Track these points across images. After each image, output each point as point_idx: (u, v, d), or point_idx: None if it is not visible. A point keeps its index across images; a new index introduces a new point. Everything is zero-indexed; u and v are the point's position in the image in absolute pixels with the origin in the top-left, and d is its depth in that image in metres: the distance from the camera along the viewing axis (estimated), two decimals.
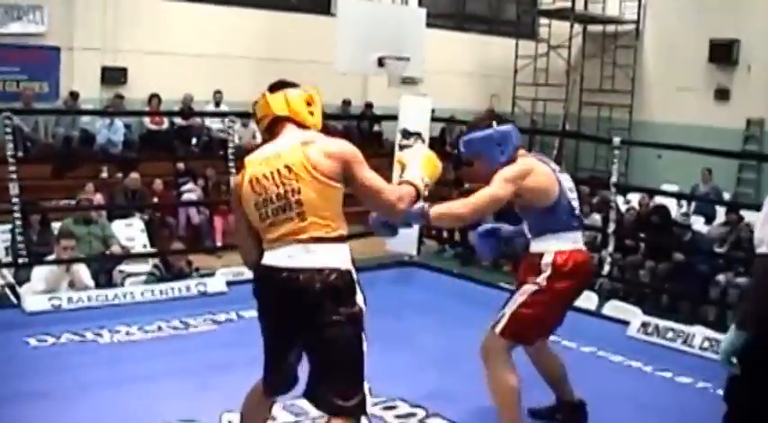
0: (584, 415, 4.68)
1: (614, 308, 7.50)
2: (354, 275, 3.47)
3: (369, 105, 16.92)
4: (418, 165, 3.70)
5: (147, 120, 14.69)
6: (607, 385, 5.37)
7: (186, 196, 13.02)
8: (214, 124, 14.90)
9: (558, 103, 19.11)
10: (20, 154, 9.68)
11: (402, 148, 8.39)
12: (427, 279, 8.39)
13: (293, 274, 3.38)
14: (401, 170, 3.77)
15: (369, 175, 3.51)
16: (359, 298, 3.49)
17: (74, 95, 13.65)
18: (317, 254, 3.38)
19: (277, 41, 15.78)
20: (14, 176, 6.93)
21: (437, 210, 3.98)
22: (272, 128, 3.67)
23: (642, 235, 11.39)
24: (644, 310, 7.32)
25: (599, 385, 5.30)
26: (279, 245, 3.43)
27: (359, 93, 16.91)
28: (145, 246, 10.98)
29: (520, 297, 4.28)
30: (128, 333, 6.14)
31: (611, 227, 8.28)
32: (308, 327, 3.42)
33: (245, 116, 14.43)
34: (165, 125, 14.88)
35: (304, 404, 4.84)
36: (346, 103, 16.85)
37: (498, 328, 4.28)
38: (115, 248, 9.82)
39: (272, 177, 3.43)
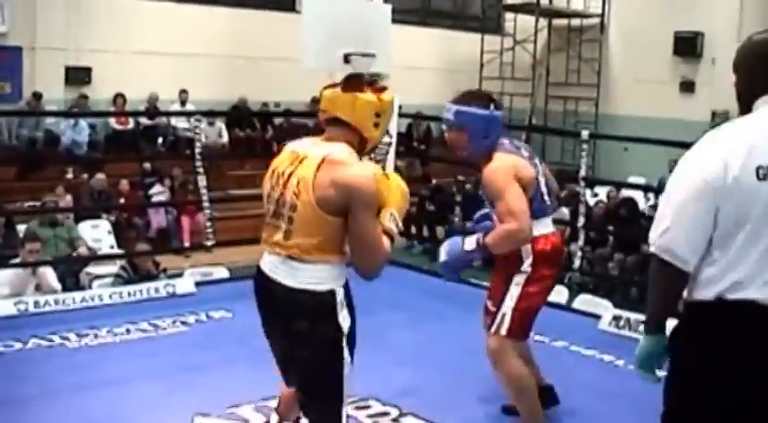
0: (555, 397, 4.68)
1: (585, 302, 7.50)
2: (338, 296, 3.21)
3: None
4: (391, 201, 3.26)
5: (112, 120, 14.58)
6: (580, 379, 5.36)
7: (155, 199, 12.93)
8: (180, 123, 14.82)
9: (525, 98, 19.18)
10: None
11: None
12: (396, 275, 8.32)
13: (272, 286, 3.26)
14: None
15: (363, 224, 3.11)
16: (341, 320, 3.23)
17: (37, 96, 13.51)
18: (296, 271, 3.20)
19: (242, 39, 15.72)
20: None
21: (492, 239, 4.07)
22: (326, 124, 3.32)
23: (611, 228, 11.45)
24: (614, 303, 7.34)
25: (572, 380, 5.30)
26: (268, 250, 3.30)
27: None
28: (112, 247, 10.90)
29: (514, 291, 4.25)
30: (96, 336, 6.05)
31: (581, 220, 8.29)
32: (284, 339, 3.34)
33: (211, 115, 14.50)
34: (131, 125, 14.79)
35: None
36: (315, 100, 16.77)
37: (504, 330, 4.25)
38: (82, 250, 9.73)
39: (283, 178, 3.19)
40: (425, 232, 13.68)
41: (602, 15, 19.49)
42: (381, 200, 3.20)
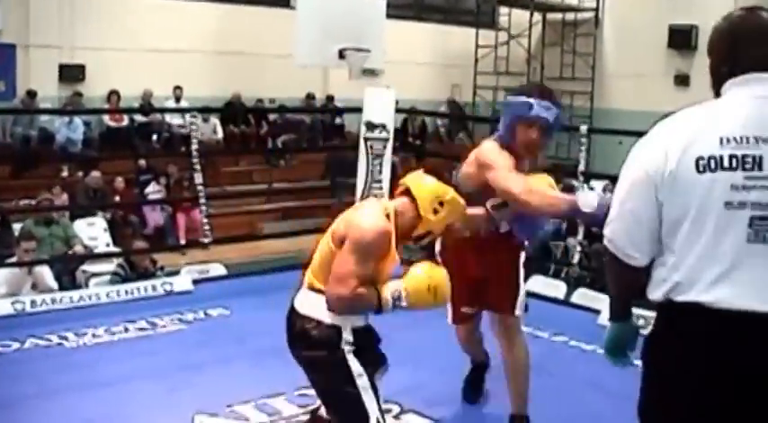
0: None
1: (583, 296, 7.49)
2: (345, 336, 3.37)
3: (330, 98, 16.84)
4: (414, 288, 3.40)
5: (106, 117, 14.52)
6: (581, 375, 5.36)
7: (151, 197, 12.89)
8: (174, 120, 14.77)
9: None
10: None
11: (367, 140, 8.35)
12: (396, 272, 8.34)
13: (293, 313, 3.50)
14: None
15: (344, 258, 3.30)
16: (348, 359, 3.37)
17: (31, 94, 13.47)
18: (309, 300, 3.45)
19: (236, 36, 15.68)
20: None
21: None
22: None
23: None
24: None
25: (573, 375, 5.30)
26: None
27: (320, 85, 16.81)
28: (108, 245, 10.87)
29: (521, 273, 4.39)
30: (94, 335, 6.03)
31: None
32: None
33: (206, 111, 14.47)
34: (125, 122, 14.73)
35: (276, 403, 4.81)
36: (310, 96, 16.78)
37: (519, 311, 4.36)
38: (78, 248, 9.71)
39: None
40: None
41: (597, 9, 19.47)
42: (390, 261, 3.40)
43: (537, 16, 19.38)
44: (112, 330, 6.14)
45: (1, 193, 11.23)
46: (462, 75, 19.41)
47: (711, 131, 2.38)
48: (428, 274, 3.43)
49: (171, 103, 14.82)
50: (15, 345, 5.81)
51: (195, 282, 7.44)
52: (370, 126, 8.40)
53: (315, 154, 16.65)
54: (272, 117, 16.65)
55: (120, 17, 14.58)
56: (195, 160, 8.01)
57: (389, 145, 8.39)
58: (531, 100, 3.96)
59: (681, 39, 17.67)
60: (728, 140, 2.35)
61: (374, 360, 3.47)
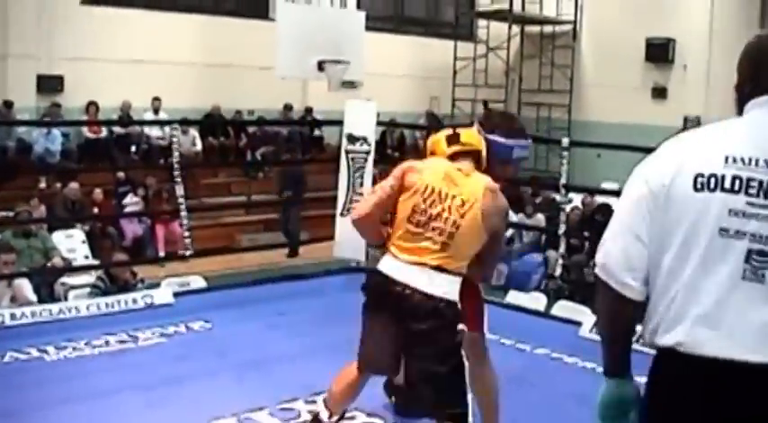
0: None
1: (563, 308, 7.51)
2: (459, 308, 3.67)
3: (309, 110, 16.83)
4: None
5: (84, 128, 14.45)
6: (563, 387, 5.37)
7: (129, 210, 12.83)
8: (153, 132, 14.73)
9: (498, 104, 19.18)
10: None
11: (348, 153, 8.35)
12: None
13: (405, 290, 3.63)
14: None
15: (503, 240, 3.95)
16: (460, 328, 3.67)
17: (8, 104, 13.38)
18: (440, 281, 3.63)
19: (216, 47, 15.66)
20: None
21: None
22: (460, 156, 3.81)
23: (587, 234, 11.48)
24: (592, 310, 7.35)
25: (555, 387, 5.31)
26: (406, 257, 3.66)
27: (299, 97, 16.80)
28: (87, 257, 10.81)
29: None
30: (75, 349, 5.99)
31: (562, 228, 8.31)
32: (408, 338, 3.69)
33: (184, 123, 14.43)
34: (104, 133, 14.67)
35: (259, 417, 4.80)
36: (288, 107, 16.75)
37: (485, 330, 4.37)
38: (57, 261, 9.64)
39: (441, 196, 3.65)
40: None
41: (575, 22, 19.59)
42: None
43: (515, 29, 19.46)
44: (93, 343, 6.10)
45: None
46: (441, 87, 19.45)
47: (717, 148, 2.12)
48: None
49: (150, 115, 14.77)
50: None
51: (176, 294, 7.40)
52: (352, 139, 8.41)
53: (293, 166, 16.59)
54: (251, 129, 16.61)
55: (99, 28, 14.52)
56: (176, 172, 7.99)
57: (371, 158, 8.39)
58: (511, 143, 4.08)
59: (658, 52, 17.83)
60: (734, 160, 2.08)
61: None
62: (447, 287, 3.62)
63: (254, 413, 4.81)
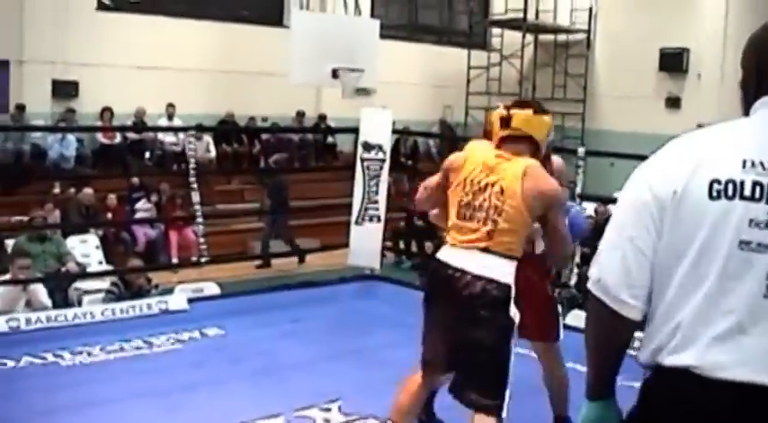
0: None
1: (577, 317, 7.47)
2: (512, 291, 3.72)
3: (322, 117, 16.83)
4: None
5: (99, 134, 14.49)
6: (576, 397, 5.32)
7: (140, 215, 12.85)
8: (167, 138, 14.76)
9: None
10: None
11: (363, 161, 8.35)
12: (390, 292, 8.34)
13: (459, 274, 3.72)
14: None
15: (562, 223, 3.85)
16: (512, 312, 3.71)
17: (20, 108, 13.40)
18: (489, 263, 3.70)
19: (230, 54, 15.68)
20: None
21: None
22: (510, 140, 3.86)
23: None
24: None
25: (572, 398, 5.29)
26: (459, 245, 3.77)
27: (312, 104, 16.82)
28: (101, 262, 10.84)
29: (552, 298, 4.59)
30: (90, 354, 6.01)
31: None
32: (460, 323, 3.74)
33: (198, 130, 14.44)
34: (118, 139, 14.70)
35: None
36: (300, 114, 16.75)
37: (561, 336, 4.56)
38: (71, 266, 9.67)
39: (480, 186, 3.75)
40: (414, 247, 13.67)
41: (588, 31, 19.58)
42: None
43: (529, 37, 19.45)
44: (108, 349, 6.13)
45: None
46: (454, 95, 19.45)
47: (732, 151, 1.89)
48: None
49: (164, 121, 14.81)
50: (11, 363, 5.79)
51: (190, 300, 7.42)
52: (367, 146, 8.41)
53: (306, 173, 16.59)
54: (264, 135, 16.62)
55: (114, 34, 14.56)
56: (192, 179, 8.01)
57: (386, 166, 8.39)
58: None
59: (672, 62, 17.81)
60: (753, 164, 1.86)
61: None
62: (496, 269, 3.70)
63: (270, 420, 4.81)
